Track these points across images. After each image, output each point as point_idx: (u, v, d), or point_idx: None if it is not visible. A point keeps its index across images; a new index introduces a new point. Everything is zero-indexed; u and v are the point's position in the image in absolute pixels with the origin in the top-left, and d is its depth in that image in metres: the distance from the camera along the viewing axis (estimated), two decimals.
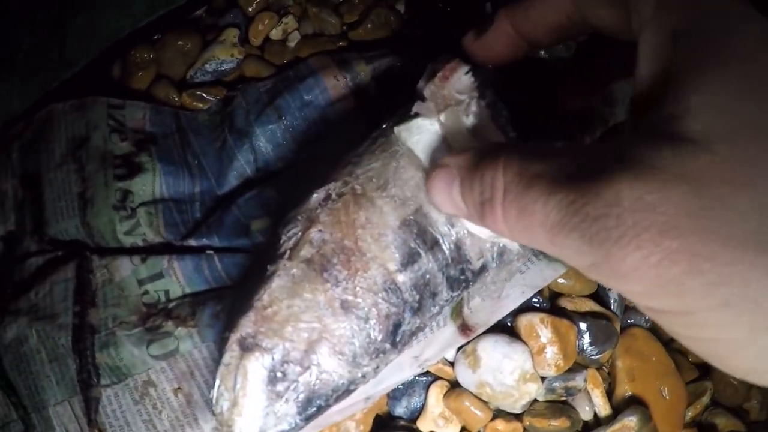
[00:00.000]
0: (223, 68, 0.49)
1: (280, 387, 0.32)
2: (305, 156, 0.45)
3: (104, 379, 0.40)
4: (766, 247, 0.16)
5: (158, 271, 0.41)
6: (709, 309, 0.17)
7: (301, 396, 0.33)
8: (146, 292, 0.42)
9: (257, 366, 0.32)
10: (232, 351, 0.33)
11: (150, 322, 0.40)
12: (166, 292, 0.41)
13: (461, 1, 0.52)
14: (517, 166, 0.22)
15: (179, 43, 0.49)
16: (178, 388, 0.40)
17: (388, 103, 0.45)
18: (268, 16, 0.50)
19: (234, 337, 0.33)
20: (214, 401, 0.33)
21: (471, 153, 0.26)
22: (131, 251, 0.43)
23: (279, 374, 0.32)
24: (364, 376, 0.34)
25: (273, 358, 0.32)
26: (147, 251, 0.42)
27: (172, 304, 0.41)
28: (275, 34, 0.50)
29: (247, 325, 0.33)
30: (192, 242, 0.42)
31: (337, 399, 0.34)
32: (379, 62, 0.46)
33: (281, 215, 0.41)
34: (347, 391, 0.34)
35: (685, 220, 0.17)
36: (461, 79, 0.33)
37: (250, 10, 0.50)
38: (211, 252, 0.41)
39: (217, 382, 0.33)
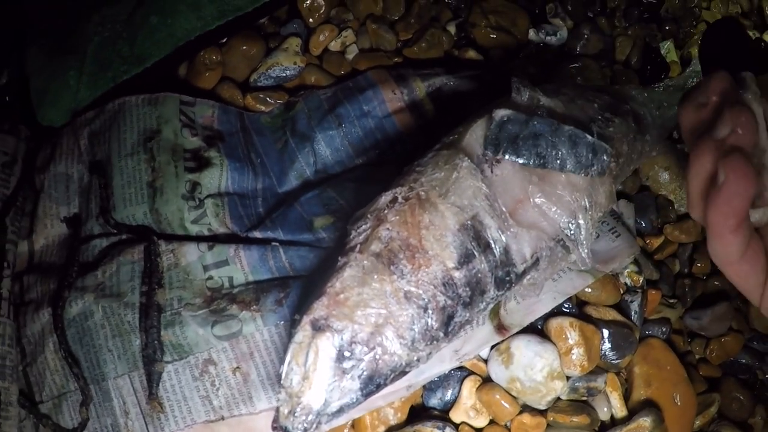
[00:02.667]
0: (285, 74, 0.55)
1: (346, 364, 0.38)
2: (361, 162, 0.51)
3: (167, 356, 0.46)
4: None
5: (224, 258, 0.47)
6: None
7: (365, 374, 0.38)
8: (210, 278, 0.47)
9: (328, 345, 0.38)
10: (304, 330, 0.39)
11: (215, 305, 0.46)
12: (230, 279, 0.47)
13: (506, 27, 0.58)
14: None
15: (244, 47, 0.55)
16: (237, 367, 0.46)
17: (441, 118, 0.52)
18: (329, 28, 0.56)
19: (307, 318, 0.39)
20: (284, 375, 0.39)
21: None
22: (198, 239, 0.48)
23: (347, 353, 0.38)
24: (418, 360, 0.40)
25: (342, 339, 0.38)
26: (213, 240, 0.48)
27: (236, 290, 0.47)
28: (334, 45, 0.56)
29: (320, 309, 0.39)
30: (257, 234, 0.48)
31: (393, 379, 0.40)
32: (434, 80, 0.52)
33: (342, 214, 0.48)
34: (402, 372, 0.40)
35: None
36: None
37: (311, 21, 0.57)
38: (276, 244, 0.47)
39: (288, 357, 0.39)
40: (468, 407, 0.49)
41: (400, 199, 0.41)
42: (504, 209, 0.41)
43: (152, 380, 0.46)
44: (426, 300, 0.39)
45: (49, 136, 0.56)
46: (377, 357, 0.38)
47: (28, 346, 0.49)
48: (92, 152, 0.53)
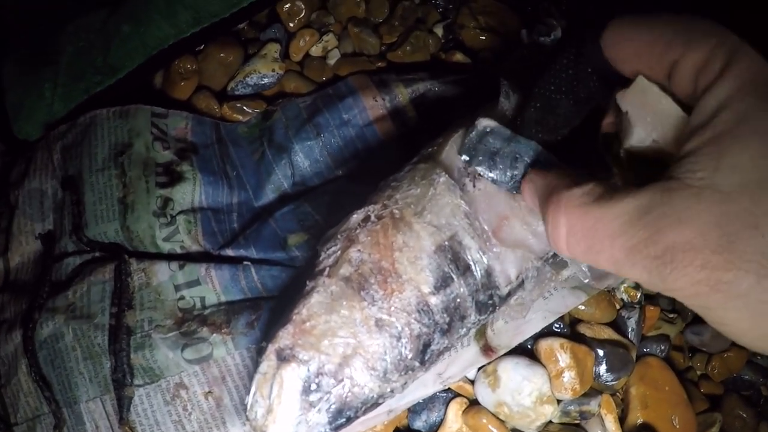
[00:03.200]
0: (263, 82, 0.52)
1: (313, 397, 0.36)
2: (341, 173, 0.48)
3: (137, 380, 0.44)
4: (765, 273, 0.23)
5: (195, 278, 0.45)
6: (726, 309, 0.25)
7: (333, 407, 0.36)
8: (182, 298, 0.45)
9: (293, 376, 0.35)
10: (269, 360, 0.36)
11: (185, 327, 0.44)
12: (202, 299, 0.45)
13: (496, 28, 0.55)
14: (579, 211, 0.29)
15: (221, 55, 0.53)
16: (209, 391, 0.43)
17: (425, 126, 0.49)
18: (309, 33, 0.53)
19: (272, 348, 0.36)
20: (249, 407, 0.37)
21: (544, 179, 0.32)
22: (169, 257, 0.46)
23: (313, 385, 0.35)
24: (392, 391, 0.37)
25: (309, 370, 0.35)
26: (185, 258, 0.46)
27: (207, 311, 0.44)
28: (315, 51, 0.54)
29: (285, 337, 0.36)
30: (229, 252, 0.45)
31: (365, 411, 0.37)
32: (417, 86, 0.49)
33: (317, 231, 0.45)
34: (375, 404, 0.37)
35: (714, 257, 0.24)
36: None
37: (291, 25, 0.54)
38: (248, 263, 0.44)
39: (253, 389, 0.37)
40: (454, 431, 0.46)
41: (372, 218, 0.38)
42: (486, 228, 0.38)
43: (122, 405, 0.44)
44: (399, 328, 0.36)
45: (23, 150, 0.54)
46: (346, 389, 0.36)
47: (2, 367, 0.47)
48: (65, 167, 0.51)
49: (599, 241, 0.28)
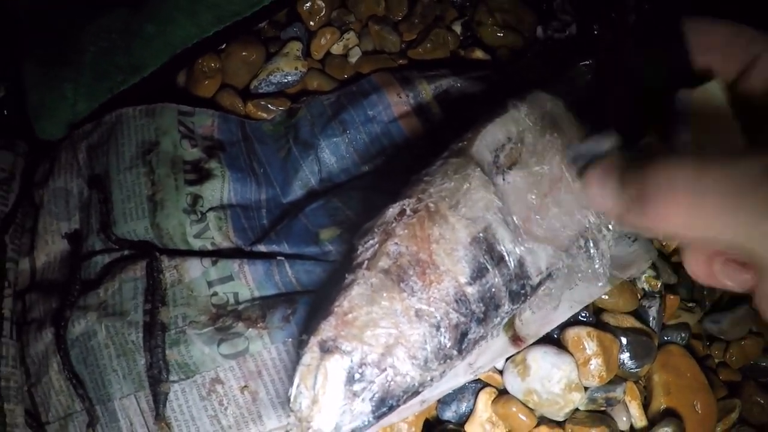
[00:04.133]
0: (286, 80, 0.53)
1: (357, 387, 0.36)
2: (368, 169, 0.49)
3: (173, 375, 0.44)
4: None
5: (228, 274, 0.45)
6: None
7: (376, 396, 0.37)
8: (215, 294, 0.46)
9: (337, 367, 0.36)
10: (312, 352, 0.37)
11: (220, 323, 0.44)
12: (236, 295, 0.45)
13: (513, 25, 0.56)
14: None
15: (244, 53, 0.53)
16: (245, 386, 0.44)
17: (450, 121, 0.50)
18: (330, 31, 0.54)
19: (315, 340, 0.37)
20: (292, 399, 0.37)
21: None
22: (201, 254, 0.47)
23: (357, 375, 0.36)
24: (431, 380, 0.38)
25: (352, 360, 0.36)
26: (216, 254, 0.46)
27: (241, 306, 0.45)
28: (336, 49, 0.54)
29: (327, 329, 0.37)
30: (262, 248, 0.46)
31: (406, 400, 0.38)
32: (440, 82, 0.50)
33: (349, 225, 0.46)
34: (415, 393, 0.38)
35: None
36: None
37: (312, 24, 0.55)
38: (282, 258, 0.45)
39: (296, 380, 0.37)
40: (484, 420, 0.47)
41: (408, 212, 0.39)
42: (517, 220, 0.39)
43: (158, 401, 0.44)
44: (438, 318, 0.37)
45: (47, 150, 0.54)
46: (389, 378, 0.37)
47: (32, 366, 0.48)
48: (91, 166, 0.51)
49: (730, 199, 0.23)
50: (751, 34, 0.30)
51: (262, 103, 0.52)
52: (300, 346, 0.38)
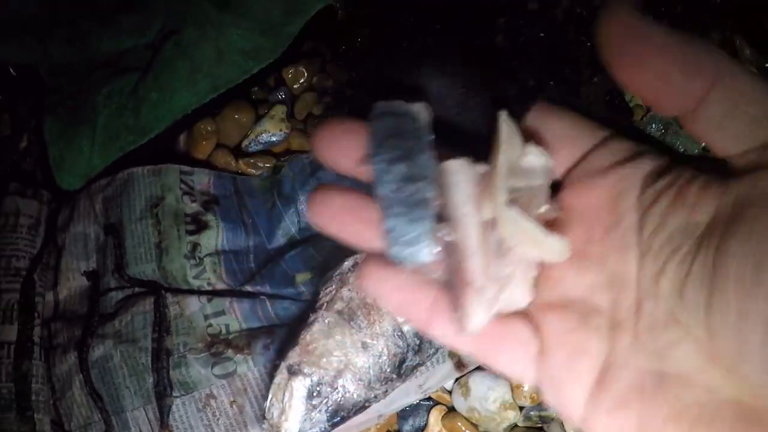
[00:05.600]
0: (272, 140, 0.72)
1: (315, 401, 0.55)
2: None
3: (175, 392, 0.63)
4: None
5: (221, 309, 0.64)
6: None
7: (331, 408, 0.55)
8: (210, 325, 0.65)
9: (300, 386, 0.55)
10: (282, 374, 0.56)
11: (214, 349, 0.64)
12: (227, 326, 0.64)
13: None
14: None
15: (236, 116, 0.72)
16: (234, 401, 0.63)
17: None
18: (311, 95, 0.73)
19: (284, 364, 0.56)
20: (267, 410, 0.56)
21: None
22: (199, 292, 0.66)
23: (315, 392, 0.55)
24: (375, 397, 0.57)
25: (311, 381, 0.55)
26: (212, 293, 0.65)
27: (231, 336, 0.64)
28: (317, 110, 0.73)
29: (294, 356, 0.56)
30: (248, 288, 0.65)
31: (356, 412, 0.56)
32: None
33: (320, 270, 0.64)
34: (363, 407, 0.57)
35: None
36: None
37: (295, 87, 0.73)
38: (264, 297, 0.64)
39: (270, 396, 0.56)
40: None
41: (360, 264, 0.57)
42: None
43: (163, 412, 0.63)
44: (380, 349, 0.55)
45: (67, 199, 0.74)
46: (340, 395, 0.55)
47: (57, 383, 0.67)
48: (106, 215, 0.71)
49: None
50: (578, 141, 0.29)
51: (251, 161, 0.71)
52: (273, 369, 0.57)
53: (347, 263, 0.58)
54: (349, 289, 0.56)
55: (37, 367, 0.67)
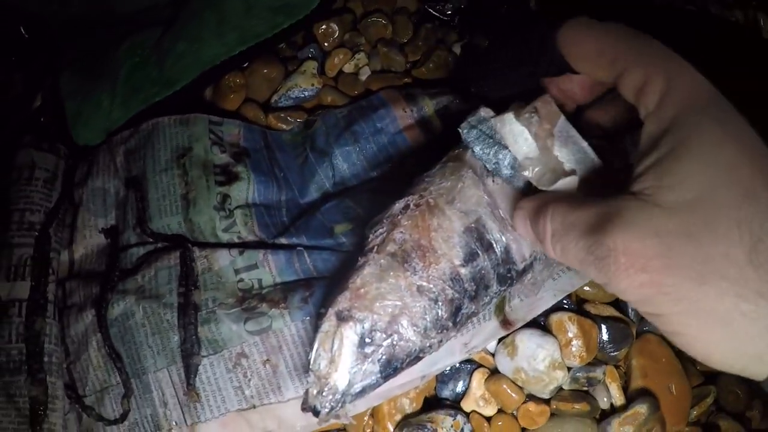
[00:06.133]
0: (303, 95, 0.67)
1: (368, 350, 0.49)
2: (375, 174, 0.63)
3: (203, 351, 0.57)
4: (705, 279, 0.30)
5: (254, 262, 0.59)
6: (673, 314, 0.33)
7: (384, 358, 0.50)
8: (242, 280, 0.59)
9: (351, 332, 0.49)
10: (330, 321, 0.50)
11: (246, 304, 0.58)
12: (260, 281, 0.59)
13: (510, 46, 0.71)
14: (560, 217, 0.38)
15: (265, 71, 0.68)
16: (267, 360, 0.57)
17: (449, 133, 0.64)
18: (343, 52, 0.68)
19: (332, 310, 0.50)
20: (312, 360, 0.50)
21: (534, 201, 0.43)
22: (229, 245, 0.60)
23: (368, 339, 0.49)
24: (430, 347, 0.51)
25: (363, 327, 0.49)
26: (244, 245, 0.60)
27: (264, 290, 0.58)
28: (348, 68, 0.69)
29: (343, 301, 0.50)
30: (283, 240, 0.60)
31: (408, 363, 0.51)
32: (441, 98, 0.64)
33: (359, 221, 0.59)
34: (417, 358, 0.51)
35: (655, 262, 0.31)
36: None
37: (326, 45, 0.69)
38: (302, 248, 0.58)
39: (316, 345, 0.50)
40: (477, 397, 0.60)
41: (411, 206, 0.52)
42: (503, 214, 0.53)
43: (190, 372, 0.57)
44: (436, 293, 0.50)
45: (85, 154, 0.68)
46: (394, 343, 0.50)
47: (71, 346, 0.61)
48: (128, 168, 0.65)
49: (568, 242, 0.36)
50: (616, 51, 0.36)
51: (282, 115, 0.66)
52: (319, 317, 0.51)
53: (397, 205, 0.53)
54: (402, 231, 0.51)
55: (51, 326, 0.61)
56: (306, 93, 0.67)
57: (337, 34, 0.69)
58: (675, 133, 0.33)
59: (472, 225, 0.51)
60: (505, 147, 0.51)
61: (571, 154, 0.48)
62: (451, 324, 0.51)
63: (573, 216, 0.37)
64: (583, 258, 0.35)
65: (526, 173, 0.49)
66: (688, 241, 0.31)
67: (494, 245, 0.52)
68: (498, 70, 0.52)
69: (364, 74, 0.69)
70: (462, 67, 0.68)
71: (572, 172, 0.46)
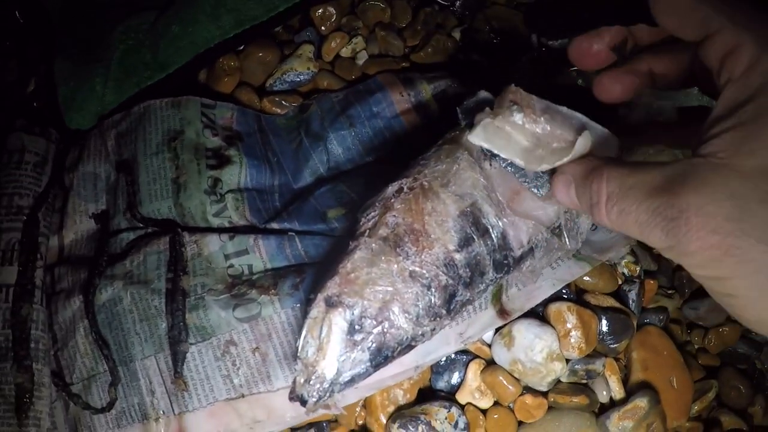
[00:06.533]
0: (299, 79, 0.64)
1: (357, 337, 0.47)
2: (371, 159, 0.60)
3: (191, 338, 0.55)
4: None
5: (244, 248, 0.56)
6: (735, 278, 0.32)
7: (374, 346, 0.47)
8: (231, 266, 0.56)
9: (340, 319, 0.47)
10: (319, 307, 0.47)
11: (236, 290, 0.55)
12: (250, 267, 0.56)
13: (509, 33, 0.68)
14: (617, 179, 0.36)
15: (260, 54, 0.65)
16: (257, 348, 0.54)
17: (446, 117, 0.61)
18: (340, 35, 0.66)
19: (321, 296, 0.48)
20: (300, 348, 0.48)
21: (583, 164, 0.41)
22: (219, 230, 0.58)
23: (357, 326, 0.47)
24: (422, 335, 0.49)
25: (353, 313, 0.47)
26: (234, 230, 0.57)
27: (255, 277, 0.56)
28: (345, 52, 0.66)
29: (332, 287, 0.48)
30: (274, 225, 0.57)
31: (400, 352, 0.48)
32: (439, 83, 0.62)
33: (353, 206, 0.57)
34: (408, 347, 0.48)
35: (727, 224, 0.31)
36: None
37: (323, 29, 0.66)
38: (293, 234, 0.56)
39: (304, 332, 0.48)
40: (473, 389, 0.57)
41: (405, 189, 0.50)
42: (501, 199, 0.50)
43: (178, 360, 0.54)
44: (429, 279, 0.48)
45: (76, 138, 0.66)
46: (385, 330, 0.47)
47: (59, 332, 0.58)
48: (119, 152, 0.63)
49: (629, 204, 0.35)
50: (710, 10, 0.35)
51: (277, 99, 0.64)
52: (308, 303, 0.49)
53: (391, 188, 0.50)
54: (394, 215, 0.49)
55: (38, 312, 0.59)
56: (302, 77, 0.65)
57: (334, 18, 0.67)
58: (760, 102, 0.32)
59: (468, 209, 0.49)
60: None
61: (564, 124, 0.46)
62: (444, 311, 0.49)
63: (633, 178, 0.35)
64: (646, 220, 0.34)
65: (534, 165, 0.46)
66: (762, 206, 0.31)
67: (490, 230, 0.49)
68: (571, 10, 0.51)
69: (362, 58, 0.66)
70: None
71: (575, 139, 0.44)
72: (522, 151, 0.48)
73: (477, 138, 0.48)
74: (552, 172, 0.45)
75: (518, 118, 0.48)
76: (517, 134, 0.48)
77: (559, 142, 0.46)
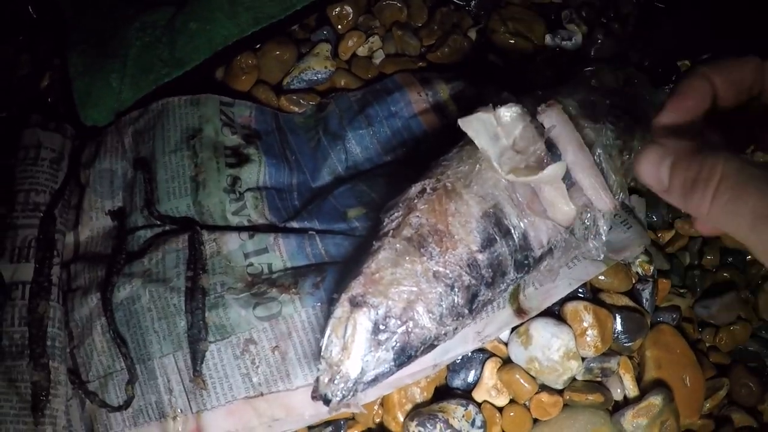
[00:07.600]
0: (316, 78, 0.63)
1: (381, 336, 0.46)
2: (389, 159, 0.59)
3: (210, 336, 0.53)
4: None
5: (264, 246, 0.55)
6: None
7: (398, 345, 0.46)
8: (251, 264, 0.55)
9: (365, 319, 0.46)
10: (343, 306, 0.46)
11: (255, 289, 0.54)
12: (269, 265, 0.55)
13: (524, 33, 0.67)
14: (738, 162, 0.31)
15: (278, 53, 0.64)
16: (276, 346, 0.53)
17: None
18: (357, 35, 0.64)
19: (345, 296, 0.46)
20: (324, 347, 0.46)
21: (690, 141, 0.34)
22: (239, 229, 0.56)
23: (382, 326, 0.46)
24: (445, 334, 0.47)
25: (378, 313, 0.46)
26: (254, 229, 0.56)
27: (275, 275, 0.54)
28: (362, 51, 0.65)
29: (357, 287, 0.46)
30: (294, 224, 0.56)
31: (423, 351, 0.47)
32: (457, 83, 0.60)
33: (373, 206, 0.55)
34: (431, 346, 0.47)
35: None
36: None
37: (340, 28, 0.65)
38: (313, 233, 0.55)
39: (328, 331, 0.47)
40: (489, 387, 0.56)
41: (428, 190, 0.49)
42: (521, 200, 0.49)
43: (197, 358, 0.53)
44: (453, 279, 0.46)
45: (93, 134, 0.64)
46: (409, 330, 0.46)
47: (75, 330, 0.57)
48: (136, 149, 0.61)
49: (750, 191, 0.30)
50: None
51: (294, 97, 0.62)
52: (331, 303, 0.48)
53: (414, 189, 0.49)
54: (418, 216, 0.48)
55: (55, 309, 0.57)
56: (319, 75, 0.63)
57: (351, 17, 0.65)
58: None
59: (490, 210, 0.48)
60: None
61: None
62: (467, 311, 0.48)
63: (756, 168, 0.31)
64: (765, 215, 0.30)
65: (505, 165, 0.47)
66: None
67: (512, 231, 0.48)
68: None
69: (378, 57, 0.65)
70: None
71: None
72: (500, 147, 0.47)
73: (464, 123, 0.47)
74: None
75: (508, 116, 0.47)
76: (502, 132, 0.47)
77: (537, 161, 0.46)
